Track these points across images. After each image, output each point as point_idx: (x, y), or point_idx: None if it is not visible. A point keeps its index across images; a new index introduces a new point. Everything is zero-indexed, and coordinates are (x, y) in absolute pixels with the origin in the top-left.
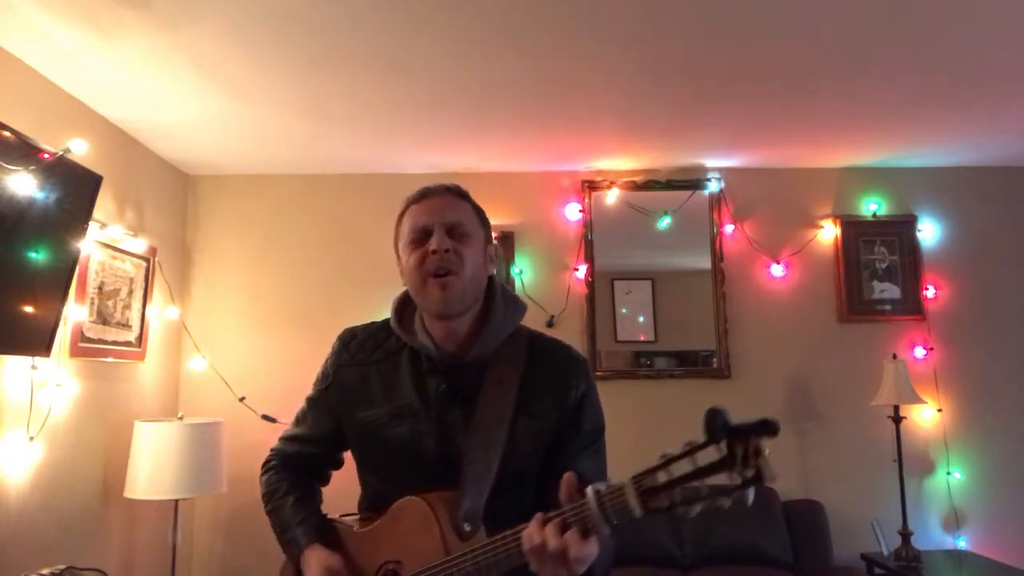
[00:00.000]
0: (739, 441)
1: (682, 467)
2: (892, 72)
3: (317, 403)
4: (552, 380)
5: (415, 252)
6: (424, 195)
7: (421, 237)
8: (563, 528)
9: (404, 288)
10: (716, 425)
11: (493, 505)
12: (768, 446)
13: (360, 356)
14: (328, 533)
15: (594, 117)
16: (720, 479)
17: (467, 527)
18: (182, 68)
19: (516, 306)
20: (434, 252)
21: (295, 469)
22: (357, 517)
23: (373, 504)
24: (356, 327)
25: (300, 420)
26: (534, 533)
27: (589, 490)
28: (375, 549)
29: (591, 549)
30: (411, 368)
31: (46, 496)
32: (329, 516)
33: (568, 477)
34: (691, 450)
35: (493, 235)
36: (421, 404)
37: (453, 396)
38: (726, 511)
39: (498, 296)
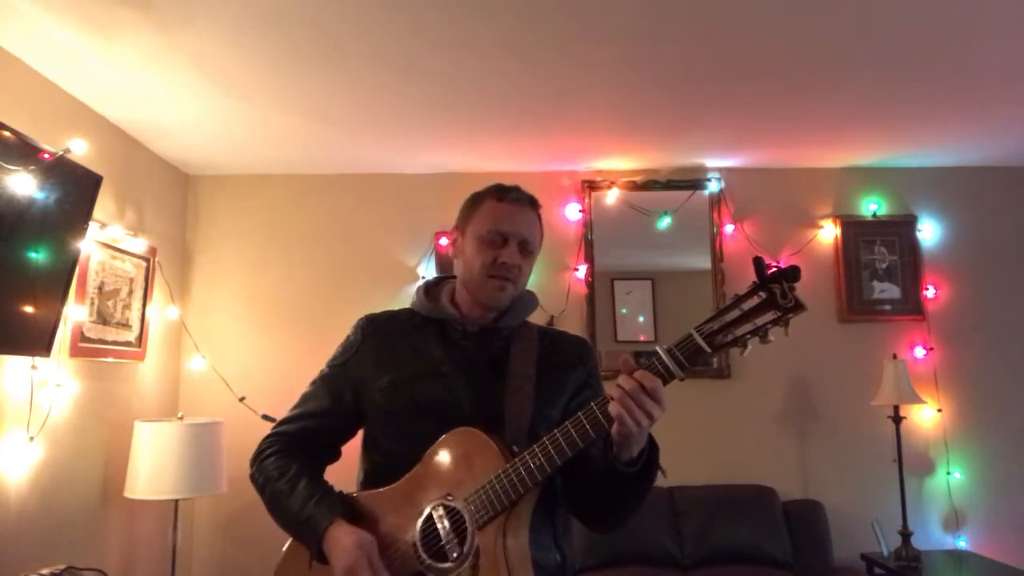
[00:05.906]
0: (776, 283)
1: (733, 314)
2: (892, 72)
3: (334, 378)
4: (565, 352)
5: (487, 251)
6: (512, 200)
7: (498, 241)
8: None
9: (425, 279)
10: (762, 266)
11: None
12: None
13: (386, 327)
14: (349, 507)
15: (594, 117)
16: (765, 318)
17: (515, 448)
18: (182, 68)
19: (533, 295)
20: (503, 263)
21: (301, 450)
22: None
23: (375, 482)
24: (375, 312)
25: (309, 399)
26: (625, 381)
27: (658, 348)
28: (410, 499)
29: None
30: (438, 336)
31: (46, 496)
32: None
33: (624, 356)
34: (738, 300)
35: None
36: (451, 366)
37: (482, 359)
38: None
39: None
